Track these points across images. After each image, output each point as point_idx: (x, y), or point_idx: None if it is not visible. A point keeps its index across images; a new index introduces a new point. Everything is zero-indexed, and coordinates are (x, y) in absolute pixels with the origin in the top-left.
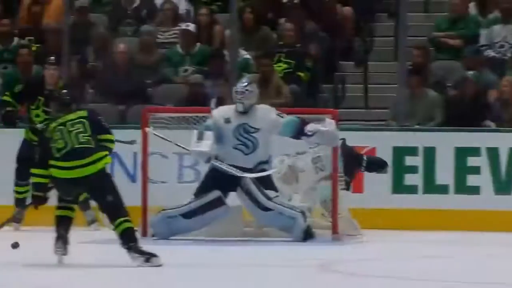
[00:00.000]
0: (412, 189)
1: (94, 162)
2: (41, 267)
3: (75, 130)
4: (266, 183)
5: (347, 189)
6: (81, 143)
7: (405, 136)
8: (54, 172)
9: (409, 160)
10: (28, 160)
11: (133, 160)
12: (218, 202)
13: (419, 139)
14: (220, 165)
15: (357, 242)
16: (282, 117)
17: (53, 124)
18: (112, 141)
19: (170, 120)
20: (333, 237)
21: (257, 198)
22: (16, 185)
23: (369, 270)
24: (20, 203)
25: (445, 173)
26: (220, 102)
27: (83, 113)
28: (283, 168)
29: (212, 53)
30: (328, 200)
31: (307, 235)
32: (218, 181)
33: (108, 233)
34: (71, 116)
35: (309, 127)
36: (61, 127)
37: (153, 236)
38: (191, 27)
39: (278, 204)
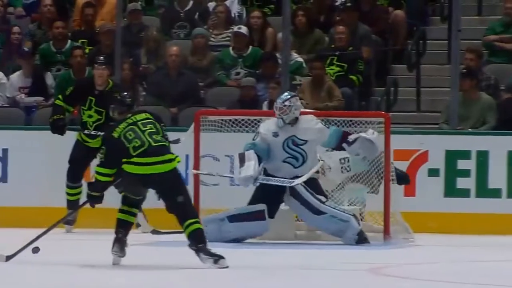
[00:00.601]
0: (464, 193)
1: (169, 160)
2: (98, 269)
3: (147, 129)
4: (315, 189)
5: (374, 192)
6: (156, 141)
7: (458, 139)
8: (129, 168)
9: (461, 164)
10: (80, 162)
11: (185, 163)
12: (259, 215)
13: (472, 142)
14: (268, 181)
15: (409, 246)
16: (327, 127)
17: (122, 125)
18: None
19: (222, 123)
20: (385, 241)
21: (309, 202)
22: (68, 187)
23: (421, 274)
24: (72, 205)
25: (497, 177)
26: (272, 105)
27: (148, 115)
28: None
29: (264, 56)
30: (356, 201)
31: (361, 239)
32: (268, 194)
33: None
34: (140, 116)
35: (352, 136)
36: (133, 126)
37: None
38: (244, 29)
39: (331, 207)
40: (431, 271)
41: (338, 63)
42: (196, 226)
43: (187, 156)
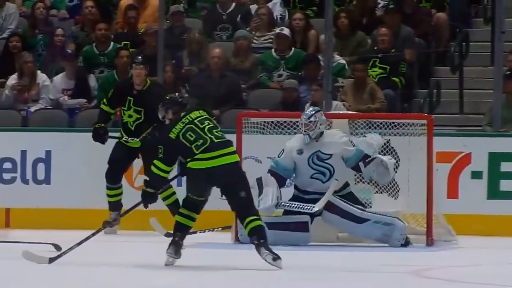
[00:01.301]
0: (508, 195)
1: (233, 152)
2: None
3: (206, 125)
4: (351, 199)
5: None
6: (218, 137)
7: (501, 141)
8: (193, 164)
9: (505, 166)
10: (120, 162)
11: None
12: (303, 227)
13: None
14: (289, 207)
15: (452, 248)
16: (352, 143)
17: (179, 126)
18: None
19: (264, 125)
20: (428, 243)
21: (349, 212)
22: (108, 188)
23: (464, 277)
24: (112, 206)
25: None
26: (316, 106)
27: (202, 112)
28: None
29: (307, 58)
30: (367, 202)
31: (406, 241)
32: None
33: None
34: (195, 114)
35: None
36: (190, 125)
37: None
38: (286, 31)
39: (373, 213)
40: (475, 273)
41: (380, 65)
42: (258, 223)
43: None
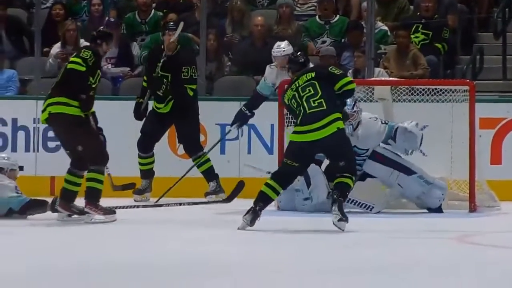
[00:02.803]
0: None
1: (325, 125)
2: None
3: (306, 94)
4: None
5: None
6: (312, 107)
7: None
8: (291, 137)
9: None
10: (152, 133)
11: (270, 133)
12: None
13: None
14: (349, 202)
15: (495, 214)
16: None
17: (289, 92)
18: (349, 82)
19: None
20: (471, 209)
21: (401, 163)
22: (139, 157)
23: (507, 242)
24: (144, 175)
25: None
26: (357, 74)
27: (311, 74)
28: None
29: (350, 24)
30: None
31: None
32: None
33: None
34: (305, 77)
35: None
36: (295, 93)
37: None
38: None
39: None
40: None
41: (423, 31)
42: (347, 180)
43: (272, 125)
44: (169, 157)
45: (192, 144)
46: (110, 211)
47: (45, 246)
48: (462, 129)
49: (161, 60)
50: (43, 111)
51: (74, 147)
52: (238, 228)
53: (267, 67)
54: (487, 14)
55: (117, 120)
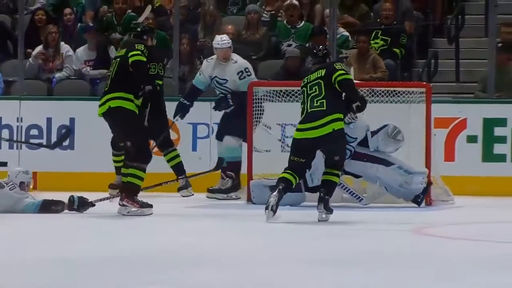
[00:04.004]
0: (500, 158)
1: (322, 125)
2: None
3: (312, 93)
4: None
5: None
6: (314, 107)
7: (494, 108)
8: (294, 134)
9: (498, 131)
10: None
11: None
12: (297, 188)
13: (508, 110)
14: (341, 187)
15: (450, 208)
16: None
17: (302, 84)
18: (342, 74)
19: (273, 93)
20: (427, 203)
21: (379, 156)
22: (114, 155)
23: (461, 234)
24: (119, 170)
25: None
26: None
27: (322, 72)
28: None
29: (315, 30)
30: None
31: (424, 192)
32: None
33: None
34: (314, 75)
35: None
36: (304, 88)
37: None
38: (295, 2)
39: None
40: (470, 230)
41: (382, 37)
42: (334, 179)
43: None
44: None
45: (163, 140)
46: (147, 204)
47: (27, 236)
48: (418, 128)
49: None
50: (101, 105)
51: (126, 142)
52: (266, 208)
53: (204, 61)
54: (441, 21)
55: (96, 119)
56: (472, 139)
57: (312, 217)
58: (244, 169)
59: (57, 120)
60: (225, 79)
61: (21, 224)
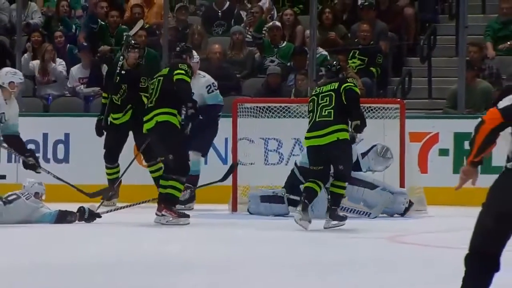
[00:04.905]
0: None
1: (327, 134)
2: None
3: (322, 103)
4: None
5: None
6: (322, 116)
7: (465, 123)
8: (304, 142)
9: (468, 145)
10: (114, 146)
11: (224, 145)
12: (279, 200)
13: None
14: (347, 210)
15: (423, 217)
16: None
17: (314, 91)
18: (349, 88)
19: (257, 109)
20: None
21: (365, 180)
22: (107, 168)
23: (434, 242)
24: (111, 183)
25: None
26: (298, 94)
27: (335, 84)
28: None
29: (296, 50)
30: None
31: (409, 206)
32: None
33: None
34: (327, 87)
35: None
36: (313, 97)
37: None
38: (278, 24)
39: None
40: (443, 238)
41: (359, 57)
42: (340, 191)
43: (226, 139)
44: (135, 166)
45: (150, 152)
46: (184, 214)
47: (17, 245)
48: (393, 142)
49: (121, 72)
50: (147, 121)
51: (169, 155)
52: (295, 221)
53: None
54: (415, 41)
55: (90, 135)
56: (444, 152)
57: (292, 226)
58: (227, 181)
59: (53, 135)
60: (192, 92)
61: (9, 232)
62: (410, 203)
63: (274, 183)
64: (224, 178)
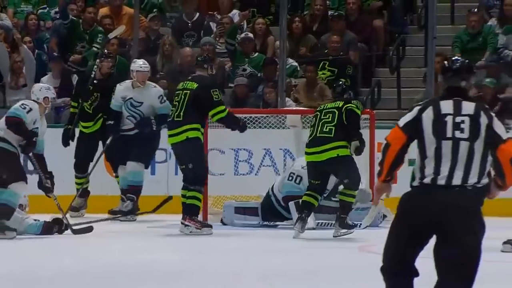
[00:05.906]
0: None
1: (327, 150)
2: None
3: (324, 119)
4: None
5: None
6: (322, 132)
7: None
8: (305, 157)
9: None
10: (84, 155)
11: None
12: (253, 212)
13: None
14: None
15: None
16: None
17: (320, 107)
18: (349, 108)
19: None
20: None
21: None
22: (76, 177)
23: None
24: (81, 194)
25: None
26: (266, 106)
27: (340, 103)
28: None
29: (267, 61)
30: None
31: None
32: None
33: None
34: (332, 104)
35: None
36: (317, 113)
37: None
38: (250, 35)
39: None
40: None
41: (329, 68)
42: (349, 199)
43: None
44: (105, 176)
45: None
46: (207, 224)
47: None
48: (363, 152)
49: (93, 81)
50: (175, 134)
51: (190, 165)
52: (294, 237)
53: (118, 85)
54: (384, 52)
55: (60, 145)
56: (412, 162)
57: (266, 235)
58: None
59: None
60: (141, 102)
61: None
62: (384, 216)
63: (244, 193)
64: (155, 210)
